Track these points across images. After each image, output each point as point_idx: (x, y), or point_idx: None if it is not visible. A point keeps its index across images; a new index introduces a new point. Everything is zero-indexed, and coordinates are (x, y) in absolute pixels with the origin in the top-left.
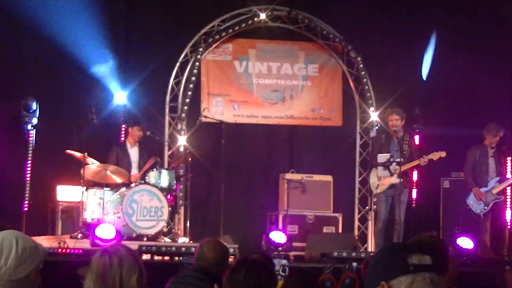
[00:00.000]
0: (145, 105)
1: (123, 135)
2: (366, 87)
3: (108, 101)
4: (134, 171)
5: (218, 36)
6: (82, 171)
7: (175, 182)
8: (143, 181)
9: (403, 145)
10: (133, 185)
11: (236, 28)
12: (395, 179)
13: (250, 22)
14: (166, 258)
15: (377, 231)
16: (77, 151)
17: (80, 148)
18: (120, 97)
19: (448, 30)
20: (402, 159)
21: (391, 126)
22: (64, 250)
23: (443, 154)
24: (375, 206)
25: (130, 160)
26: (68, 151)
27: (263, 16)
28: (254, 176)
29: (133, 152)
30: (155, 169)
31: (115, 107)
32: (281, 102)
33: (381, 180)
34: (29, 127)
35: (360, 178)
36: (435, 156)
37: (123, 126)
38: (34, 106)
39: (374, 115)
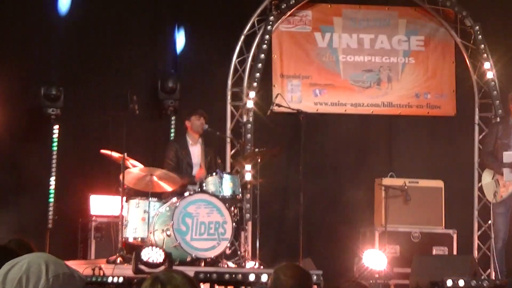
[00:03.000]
0: (200, 91)
1: (172, 131)
2: (487, 64)
3: (153, 88)
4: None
5: (293, 1)
6: (121, 176)
7: (240, 190)
8: (199, 189)
9: None
10: (186, 193)
11: None
12: None
13: None
14: None
15: (496, 252)
16: (115, 151)
17: (118, 147)
18: (169, 82)
19: None
20: None
21: None
22: (100, 279)
23: None
24: (490, 221)
25: (191, 161)
26: (103, 151)
27: None
28: (342, 181)
29: (195, 151)
30: (214, 173)
31: (162, 96)
32: (376, 86)
33: (500, 186)
34: (53, 120)
35: (480, 184)
36: None
37: (173, 118)
38: (58, 94)
39: (497, 101)
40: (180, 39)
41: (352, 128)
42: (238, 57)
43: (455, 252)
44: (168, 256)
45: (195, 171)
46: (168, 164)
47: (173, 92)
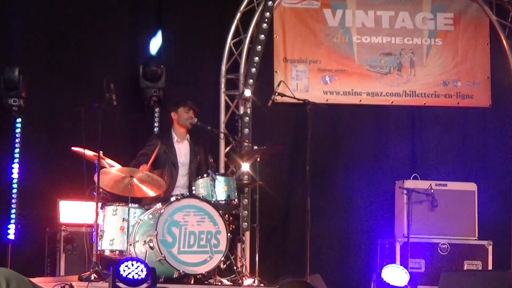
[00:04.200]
0: (189, 78)
1: (156, 125)
2: None
3: (134, 74)
4: (181, 179)
5: None
6: (95, 178)
7: (236, 194)
8: (187, 194)
9: None
10: (173, 198)
11: None
12: None
13: None
14: None
15: None
16: (88, 148)
17: (92, 144)
18: (152, 68)
19: None
20: None
21: None
22: None
23: None
24: None
25: (176, 160)
26: (75, 149)
27: None
28: (356, 184)
29: (181, 149)
30: (206, 175)
31: (144, 83)
32: (396, 72)
33: None
34: (14, 113)
35: None
36: None
37: (156, 110)
38: (21, 81)
39: None
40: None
41: (368, 122)
42: (233, 38)
43: (490, 267)
44: (151, 272)
45: (182, 172)
46: (137, 159)
47: (157, 80)
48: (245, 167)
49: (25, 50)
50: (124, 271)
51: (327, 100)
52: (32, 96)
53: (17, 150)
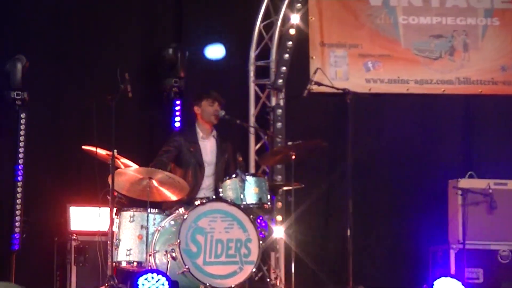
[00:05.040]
0: (213, 67)
1: (177, 119)
2: None
3: (151, 63)
4: (207, 180)
5: None
6: (109, 180)
7: (269, 197)
8: (214, 197)
9: None
10: (197, 202)
11: None
12: None
13: None
14: None
15: None
16: (101, 147)
17: (105, 142)
18: (172, 56)
19: None
20: None
21: None
22: None
23: None
24: None
25: (201, 159)
26: (86, 148)
27: None
28: (404, 184)
29: (207, 147)
30: (234, 175)
31: (163, 73)
32: (448, 56)
33: None
34: (18, 108)
35: None
36: None
37: (177, 103)
38: (23, 72)
39: None
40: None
41: (416, 113)
42: (263, 20)
43: None
44: (173, 285)
45: (208, 172)
46: (158, 158)
47: (177, 69)
48: (279, 166)
49: (29, 39)
50: (143, 285)
51: (369, 89)
52: (37, 89)
53: (21, 150)
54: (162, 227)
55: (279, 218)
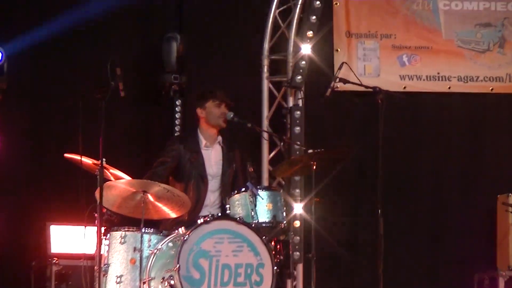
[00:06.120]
0: (220, 61)
1: (178, 122)
2: None
3: (148, 57)
4: (211, 195)
5: None
6: (97, 195)
7: (284, 214)
8: (219, 214)
9: None
10: (200, 221)
11: None
12: None
13: None
14: None
15: None
16: (86, 155)
17: (92, 149)
18: (173, 48)
19: None
20: None
21: None
22: None
23: None
24: None
25: (204, 171)
26: (69, 156)
27: None
28: (444, 199)
29: (211, 156)
30: (244, 189)
31: (160, 70)
32: (497, 49)
33: None
34: None
35: None
36: None
37: (178, 103)
38: None
39: None
40: None
41: (459, 116)
42: (279, 6)
43: None
44: None
45: (213, 186)
46: (153, 170)
47: (178, 63)
48: (297, 178)
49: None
50: None
51: (404, 87)
52: (13, 85)
53: None
54: (159, 250)
55: (297, 239)
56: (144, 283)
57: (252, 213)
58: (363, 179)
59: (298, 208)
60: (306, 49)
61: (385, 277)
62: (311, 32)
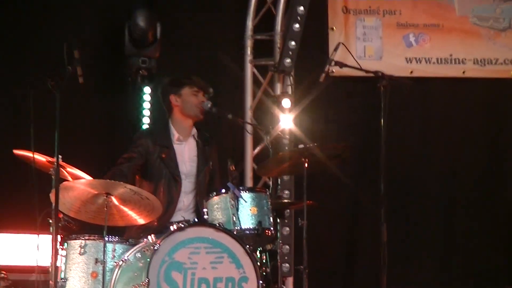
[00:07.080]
0: (196, 42)
1: (146, 114)
2: None
3: (111, 36)
4: (186, 198)
5: None
6: (52, 198)
7: (271, 220)
8: (195, 220)
9: None
10: (173, 228)
11: None
12: None
13: None
14: None
15: None
16: (39, 152)
17: (45, 145)
18: (140, 26)
19: None
20: None
21: None
22: None
23: None
24: None
25: (177, 170)
26: (18, 152)
27: None
28: (462, 206)
29: (185, 152)
30: (224, 191)
31: (128, 49)
32: None
33: None
34: None
35: None
36: None
37: (146, 91)
38: None
39: None
40: None
41: (476, 105)
42: None
43: None
44: None
45: (187, 187)
46: (117, 168)
47: (147, 44)
48: (286, 177)
49: None
50: None
51: (411, 72)
52: None
53: None
54: (125, 261)
55: (286, 248)
56: None
57: (234, 218)
58: (363, 179)
59: (287, 212)
60: (296, 27)
61: None
62: (302, 7)
